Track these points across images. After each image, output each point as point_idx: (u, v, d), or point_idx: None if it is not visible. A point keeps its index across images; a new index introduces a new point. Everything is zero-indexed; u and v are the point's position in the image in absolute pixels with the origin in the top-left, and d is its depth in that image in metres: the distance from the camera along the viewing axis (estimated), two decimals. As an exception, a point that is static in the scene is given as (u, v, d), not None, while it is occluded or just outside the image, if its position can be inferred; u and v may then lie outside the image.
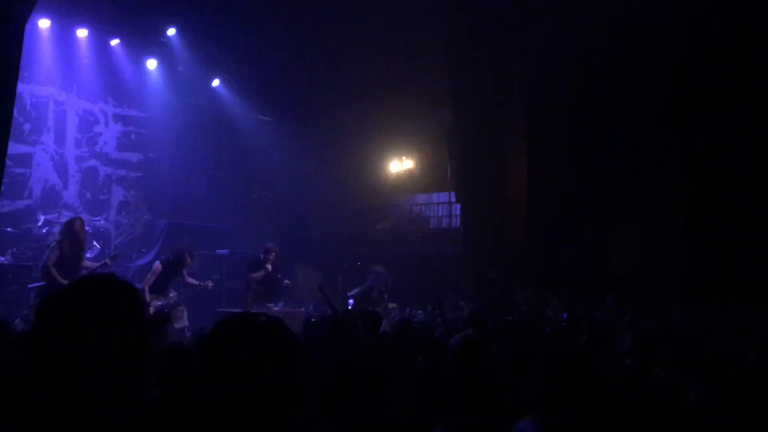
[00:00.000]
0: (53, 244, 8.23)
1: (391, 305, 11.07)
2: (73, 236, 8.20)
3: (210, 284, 9.72)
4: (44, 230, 11.22)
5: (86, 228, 11.75)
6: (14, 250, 10.49)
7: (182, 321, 8.96)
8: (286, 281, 10.70)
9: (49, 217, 11.58)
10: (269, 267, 10.30)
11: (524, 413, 3.17)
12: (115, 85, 13.15)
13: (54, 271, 7.93)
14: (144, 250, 13.16)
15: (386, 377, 2.67)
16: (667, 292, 9.53)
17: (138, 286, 8.62)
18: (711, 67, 10.75)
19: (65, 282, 7.72)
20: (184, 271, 9.48)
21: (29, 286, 8.52)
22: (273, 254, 10.40)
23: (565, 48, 11.61)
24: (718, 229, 10.74)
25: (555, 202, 12.18)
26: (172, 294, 9.32)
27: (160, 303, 8.90)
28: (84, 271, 8.31)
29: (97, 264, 8.86)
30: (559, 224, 12.10)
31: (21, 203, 11.78)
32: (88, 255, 11.27)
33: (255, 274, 10.29)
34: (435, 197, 16.63)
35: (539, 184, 12.37)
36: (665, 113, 11.42)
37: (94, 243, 11.69)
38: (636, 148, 11.72)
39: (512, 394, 3.51)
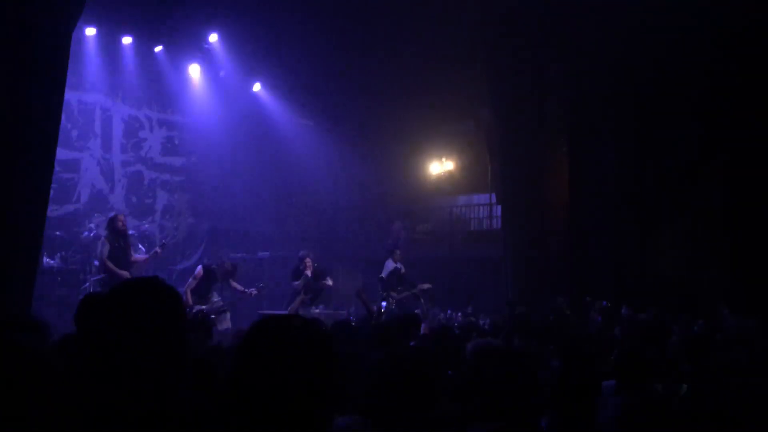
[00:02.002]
0: (102, 240, 8.97)
1: (432, 309, 11.05)
2: (117, 230, 8.94)
3: (254, 292, 9.82)
4: (92, 233, 11.47)
5: (132, 232, 12.09)
6: (63, 253, 10.73)
7: (225, 323, 9.07)
8: (329, 281, 10.82)
9: (98, 220, 11.88)
10: (308, 273, 10.43)
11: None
12: (159, 91, 13.38)
13: (110, 264, 8.68)
14: (188, 252, 13.37)
15: (425, 383, 2.65)
16: (712, 296, 9.28)
17: (180, 289, 8.81)
18: (756, 66, 10.45)
19: (123, 272, 8.60)
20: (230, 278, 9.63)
21: (93, 278, 9.40)
22: (308, 260, 10.54)
23: (606, 48, 11.42)
24: (764, 231, 10.44)
25: (597, 203, 11.98)
26: (216, 299, 9.43)
27: (204, 307, 9.01)
28: (134, 262, 9.17)
29: (147, 255, 9.66)
30: (601, 225, 11.89)
31: (69, 207, 12.06)
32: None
33: (296, 283, 10.45)
34: (475, 198, 16.52)
35: (581, 184, 12.18)
36: (710, 112, 11.13)
37: (140, 246, 11.91)
38: (680, 148, 11.45)
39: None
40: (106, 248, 8.75)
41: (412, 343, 5.47)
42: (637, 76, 11.44)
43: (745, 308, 8.29)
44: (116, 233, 8.89)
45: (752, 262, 10.53)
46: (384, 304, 7.61)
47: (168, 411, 1.66)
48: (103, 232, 9.31)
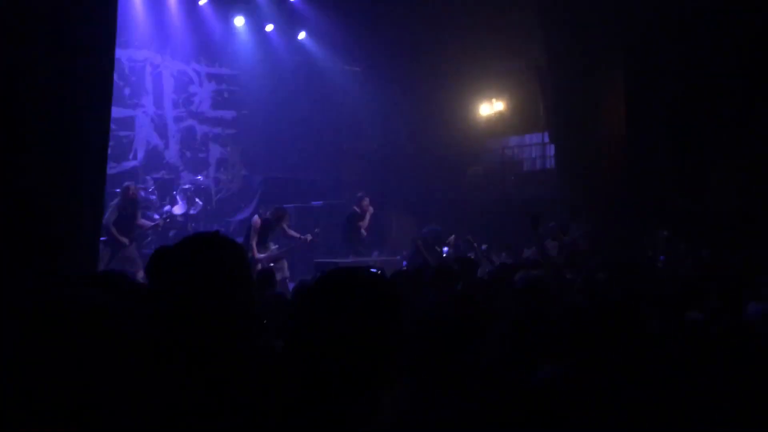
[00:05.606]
0: (111, 206, 9.23)
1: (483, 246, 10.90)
2: (127, 198, 9.37)
3: (309, 238, 9.98)
4: (151, 189, 11.78)
5: (188, 186, 12.35)
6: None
7: (283, 272, 9.25)
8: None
9: (156, 177, 12.18)
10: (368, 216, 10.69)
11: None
12: (206, 45, 13.44)
13: (113, 230, 9.02)
14: (243, 204, 13.60)
15: (470, 328, 2.61)
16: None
17: (239, 240, 9.00)
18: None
19: (123, 239, 9.05)
20: (284, 225, 9.76)
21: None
22: (366, 202, 10.72)
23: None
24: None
25: (654, 139, 11.58)
26: (273, 247, 9.64)
27: (262, 256, 9.22)
28: (140, 227, 9.70)
29: (152, 223, 10.11)
30: (659, 162, 11.51)
31: (127, 165, 12.37)
32: (192, 212, 11.84)
33: (361, 222, 10.65)
34: (528, 138, 16.22)
35: (638, 120, 11.76)
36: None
37: (197, 200, 12.16)
38: (741, 81, 10.86)
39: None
40: (114, 215, 9.12)
41: (458, 286, 5.45)
42: (696, 10, 10.83)
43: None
44: (126, 201, 9.30)
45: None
46: (446, 250, 7.59)
47: (256, 358, 1.70)
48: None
